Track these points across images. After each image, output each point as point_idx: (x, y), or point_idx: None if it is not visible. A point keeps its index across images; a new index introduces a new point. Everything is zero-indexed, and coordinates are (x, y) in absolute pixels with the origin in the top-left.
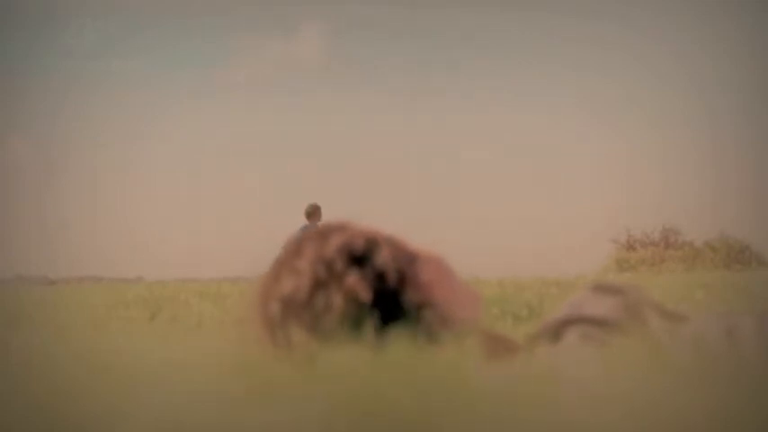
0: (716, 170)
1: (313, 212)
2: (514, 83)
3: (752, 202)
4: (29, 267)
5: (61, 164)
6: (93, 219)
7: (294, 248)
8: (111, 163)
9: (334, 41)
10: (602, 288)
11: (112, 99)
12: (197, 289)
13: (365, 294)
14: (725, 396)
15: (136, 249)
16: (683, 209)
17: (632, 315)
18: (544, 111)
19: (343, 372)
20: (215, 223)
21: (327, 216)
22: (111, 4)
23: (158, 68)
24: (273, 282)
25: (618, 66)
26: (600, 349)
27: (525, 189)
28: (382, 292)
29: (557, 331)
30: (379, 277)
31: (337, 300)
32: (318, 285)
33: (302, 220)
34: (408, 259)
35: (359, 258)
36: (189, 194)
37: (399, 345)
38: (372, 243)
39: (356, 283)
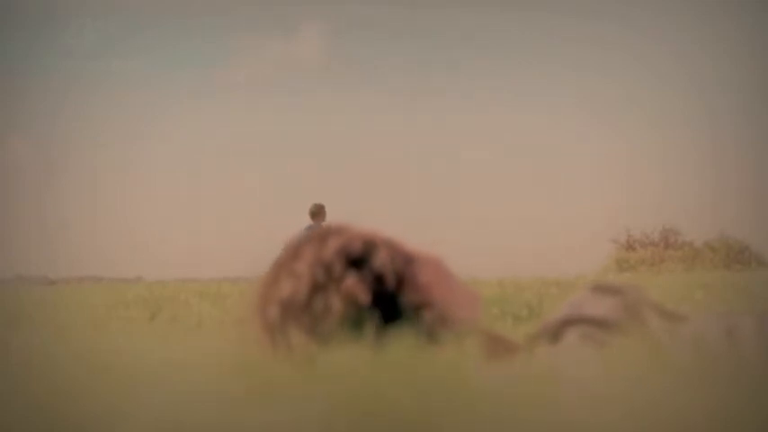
0: (716, 170)
1: (318, 212)
2: (514, 83)
3: (752, 202)
4: (29, 267)
5: (61, 164)
6: (93, 219)
7: (292, 251)
8: (111, 163)
9: (334, 41)
10: (601, 288)
11: (112, 99)
12: (197, 289)
13: (364, 297)
14: (725, 396)
15: (136, 249)
16: (683, 209)
17: (632, 315)
18: (544, 111)
19: (343, 372)
20: (215, 223)
21: (329, 216)
22: (111, 4)
23: (158, 68)
24: (272, 285)
25: (618, 66)
26: (600, 349)
27: (525, 189)
28: (381, 293)
29: (557, 331)
30: (378, 279)
31: (336, 302)
32: (317, 288)
33: (302, 220)
34: (406, 261)
35: (357, 261)
36: (189, 194)
37: (399, 345)
38: (370, 245)
39: (354, 285)
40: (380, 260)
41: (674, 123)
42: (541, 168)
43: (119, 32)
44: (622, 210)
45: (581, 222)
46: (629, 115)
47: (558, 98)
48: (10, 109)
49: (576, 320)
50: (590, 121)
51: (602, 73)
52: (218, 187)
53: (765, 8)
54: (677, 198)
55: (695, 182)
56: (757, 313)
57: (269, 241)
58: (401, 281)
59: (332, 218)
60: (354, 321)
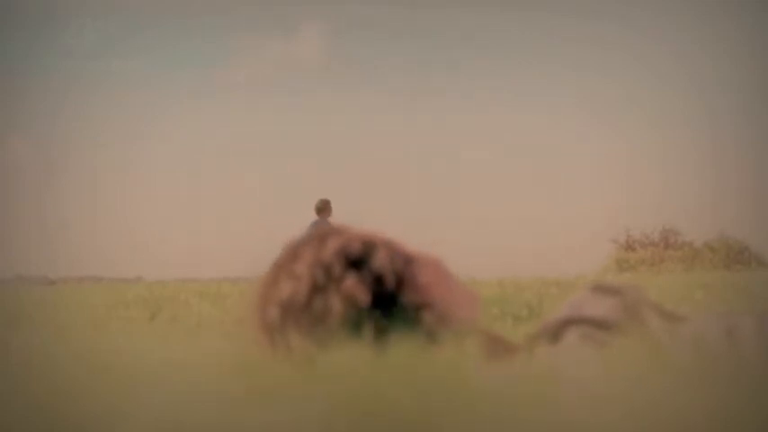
0: (716, 170)
1: (324, 207)
2: (514, 83)
3: (752, 202)
4: (29, 267)
5: (61, 164)
6: (93, 219)
7: (292, 252)
8: (111, 163)
9: (334, 41)
10: (601, 288)
11: (112, 99)
12: (197, 289)
13: (363, 298)
14: (725, 396)
15: (136, 249)
16: (683, 209)
17: (631, 315)
18: (544, 111)
19: (343, 372)
20: (215, 223)
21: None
22: (111, 4)
23: (158, 68)
24: (271, 286)
25: (618, 66)
26: (599, 349)
27: (525, 189)
28: (380, 294)
29: (556, 331)
30: (377, 280)
31: (336, 304)
32: (317, 289)
33: (302, 220)
34: (406, 261)
35: (356, 262)
36: (189, 194)
37: (399, 345)
38: (370, 246)
39: (354, 286)
40: (380, 261)
41: (674, 123)
42: (541, 168)
43: (119, 32)
44: (622, 210)
45: (581, 222)
46: (629, 115)
47: (558, 98)
48: (10, 109)
49: (576, 321)
50: (590, 121)
51: (602, 73)
52: (218, 187)
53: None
54: (677, 198)
55: (695, 182)
56: (757, 313)
57: (269, 241)
58: (401, 281)
59: (332, 218)
60: (354, 322)
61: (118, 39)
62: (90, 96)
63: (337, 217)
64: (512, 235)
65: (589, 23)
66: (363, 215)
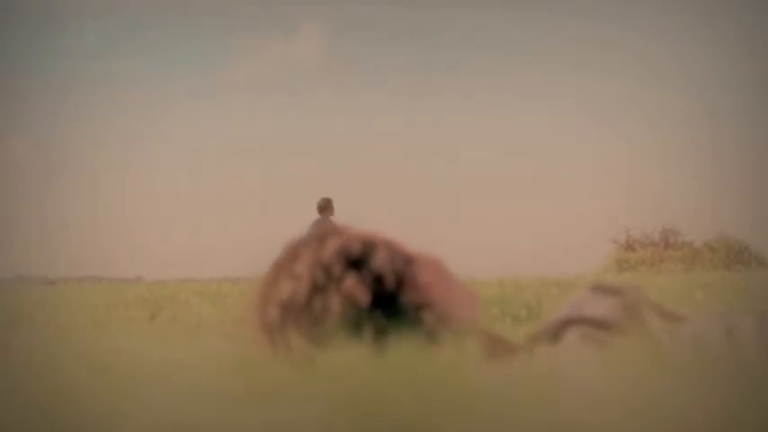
0: (716, 170)
1: (325, 206)
2: (514, 83)
3: (752, 202)
4: (29, 267)
5: (61, 164)
6: (93, 219)
7: (291, 252)
8: (111, 163)
9: (334, 41)
10: (601, 289)
11: (112, 99)
12: (197, 289)
13: (363, 298)
14: (725, 396)
15: (136, 249)
16: (683, 209)
17: (631, 315)
18: (544, 111)
19: (343, 372)
20: (215, 223)
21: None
22: (111, 4)
23: (158, 68)
24: (271, 286)
25: (618, 66)
26: (599, 349)
27: (525, 189)
28: (380, 294)
29: (556, 332)
30: (377, 280)
31: (335, 304)
32: (316, 290)
33: (302, 220)
34: (406, 261)
35: (356, 262)
36: (189, 194)
37: (399, 345)
38: (369, 246)
39: (354, 286)
40: (380, 261)
41: (674, 123)
42: (541, 168)
43: (119, 32)
44: (622, 210)
45: (581, 222)
46: (629, 115)
47: (558, 98)
48: (10, 109)
49: (576, 321)
50: (590, 121)
51: (602, 73)
52: (218, 187)
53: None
54: (677, 198)
55: (695, 182)
56: (757, 313)
57: (269, 241)
58: (400, 281)
59: (333, 217)
60: (354, 322)
61: (118, 39)
62: (90, 96)
63: (337, 217)
64: (512, 235)
65: (589, 23)
66: (363, 215)
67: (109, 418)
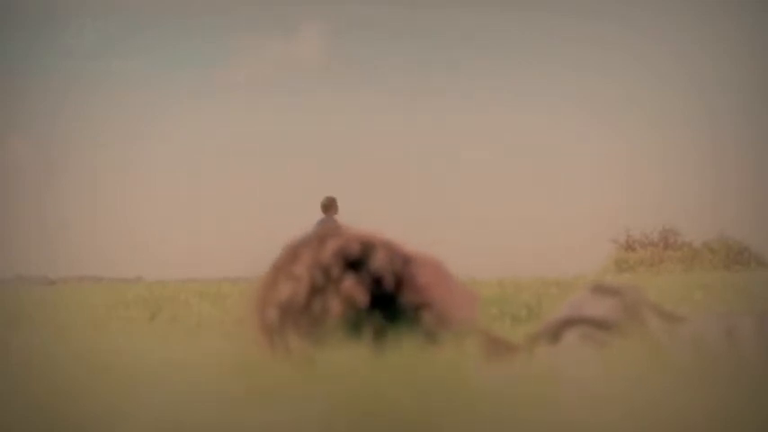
0: (716, 170)
1: (329, 205)
2: (514, 83)
3: (752, 202)
4: (29, 267)
5: (61, 164)
6: (93, 219)
7: (290, 254)
8: (111, 163)
9: (334, 41)
10: (601, 289)
11: (112, 99)
12: (197, 289)
13: (362, 299)
14: (725, 396)
15: (136, 249)
16: (683, 209)
17: (631, 316)
18: (544, 111)
19: (343, 372)
20: (215, 223)
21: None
22: (111, 4)
23: (158, 68)
24: (270, 287)
25: (618, 66)
26: (599, 350)
27: (525, 189)
28: (379, 295)
29: (556, 332)
30: (376, 281)
31: (335, 305)
32: (315, 291)
33: (302, 220)
34: (405, 261)
35: (355, 263)
36: (189, 194)
37: (398, 345)
38: (368, 247)
39: (353, 287)
40: (379, 261)
41: (674, 123)
42: (541, 168)
43: (119, 32)
44: (622, 210)
45: (581, 222)
46: (629, 115)
47: (558, 98)
48: (10, 109)
49: (576, 321)
50: (590, 121)
51: (602, 73)
52: (218, 187)
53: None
54: (677, 198)
55: (695, 182)
56: (757, 313)
57: (269, 241)
58: (400, 282)
59: (337, 216)
60: (353, 323)
61: (118, 39)
62: (90, 96)
63: (339, 216)
64: (512, 235)
65: (589, 23)
66: (363, 215)
67: (109, 418)
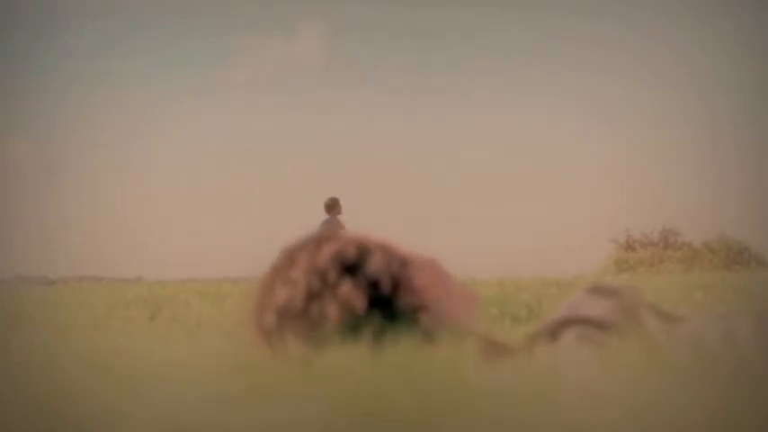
0: (716, 170)
1: (333, 205)
2: (514, 83)
3: (752, 202)
4: (29, 267)
5: (61, 164)
6: (93, 219)
7: (287, 258)
8: (111, 163)
9: (334, 41)
10: (598, 289)
11: (112, 99)
12: (197, 289)
13: (359, 304)
14: (724, 396)
15: (136, 249)
16: (683, 209)
17: (628, 316)
18: (544, 111)
19: (342, 372)
20: (215, 223)
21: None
22: (111, 4)
23: (158, 68)
24: (268, 292)
25: (618, 66)
26: (597, 350)
27: (525, 189)
28: (377, 298)
29: (554, 332)
30: (374, 284)
31: (332, 310)
32: (313, 296)
33: (302, 220)
34: (401, 264)
35: (352, 266)
36: (189, 194)
37: (397, 345)
38: (365, 250)
39: (350, 292)
40: (375, 265)
41: (674, 123)
42: (541, 168)
43: (119, 32)
44: (622, 210)
45: (581, 222)
46: (629, 115)
47: (558, 98)
48: (10, 109)
49: (574, 321)
50: (590, 121)
51: (602, 73)
52: (218, 187)
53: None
54: (677, 198)
55: (695, 182)
56: (757, 313)
57: (269, 241)
58: (397, 285)
59: (341, 216)
60: (351, 327)
61: (118, 39)
62: (90, 96)
63: (341, 216)
64: (512, 235)
65: (589, 23)
66: (363, 215)
67: (109, 418)
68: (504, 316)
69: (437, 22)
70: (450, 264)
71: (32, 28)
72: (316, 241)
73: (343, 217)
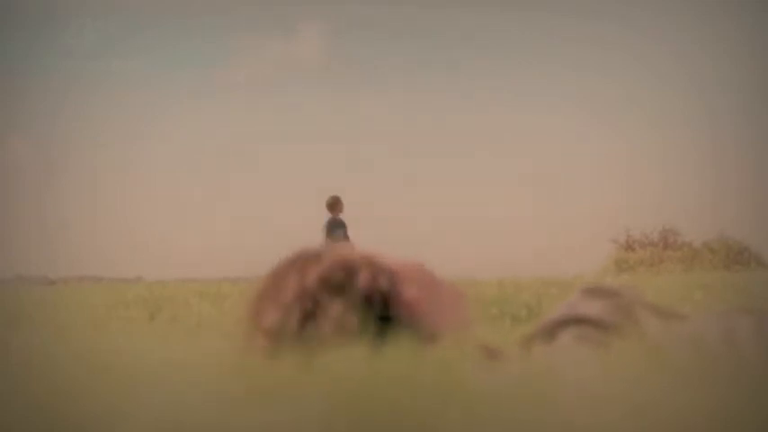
0: (716, 170)
1: (334, 204)
2: (514, 83)
3: (752, 202)
4: (29, 267)
5: (61, 164)
6: (93, 219)
7: (274, 281)
8: (111, 163)
9: (334, 41)
10: (596, 290)
11: (112, 99)
12: (197, 289)
13: (352, 324)
14: (724, 396)
15: (136, 249)
16: (683, 209)
17: (626, 316)
18: (544, 111)
19: (343, 372)
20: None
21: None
22: (111, 4)
23: (158, 68)
24: (259, 315)
25: (618, 66)
26: (595, 349)
27: (525, 189)
28: (369, 315)
29: (552, 332)
30: (364, 302)
31: (326, 329)
32: (306, 317)
33: (301, 219)
34: (389, 278)
35: (340, 287)
36: (189, 194)
37: (397, 346)
38: (351, 270)
39: (341, 313)
40: (363, 283)
41: (674, 123)
42: (541, 168)
43: (119, 32)
44: (622, 210)
45: (581, 222)
46: (629, 115)
47: (558, 98)
48: (10, 109)
49: (572, 321)
50: (590, 121)
51: (602, 73)
52: (218, 187)
53: (765, 8)
54: (677, 198)
55: (695, 182)
56: (757, 313)
57: (269, 241)
58: (387, 300)
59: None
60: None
61: (118, 39)
62: (90, 96)
63: (343, 215)
64: (512, 235)
65: (589, 23)
66: (363, 215)
67: (109, 418)
68: (504, 316)
69: (437, 22)
70: (451, 264)
71: (32, 28)
72: (301, 263)
73: (344, 216)
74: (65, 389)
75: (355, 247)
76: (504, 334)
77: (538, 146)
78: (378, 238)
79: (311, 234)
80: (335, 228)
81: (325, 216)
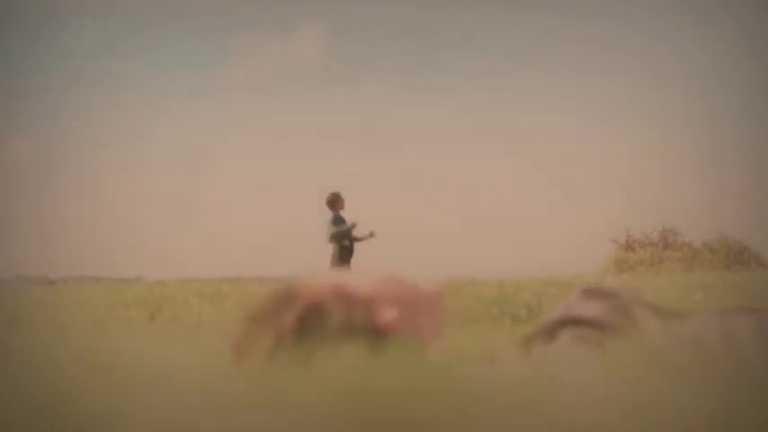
0: (716, 170)
1: (334, 201)
2: (514, 83)
3: (752, 202)
4: (29, 267)
5: (61, 164)
6: (93, 219)
7: (251, 328)
8: (111, 163)
9: (334, 41)
10: (595, 290)
11: (112, 99)
12: (197, 289)
13: (338, 353)
14: (724, 396)
15: (136, 249)
16: (683, 209)
17: (625, 316)
18: (544, 111)
19: (342, 373)
20: (215, 223)
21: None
22: (111, 4)
23: (158, 68)
24: (240, 355)
25: (618, 66)
26: (594, 350)
27: (525, 189)
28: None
29: (551, 332)
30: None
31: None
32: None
33: (301, 219)
34: (364, 304)
35: (318, 322)
36: (189, 194)
37: (397, 347)
38: (323, 306)
39: (327, 343)
40: (338, 317)
41: (674, 123)
42: (541, 168)
43: (119, 32)
44: (622, 210)
45: (581, 222)
46: (629, 115)
47: (558, 98)
48: (10, 109)
49: (570, 321)
50: (590, 121)
51: (602, 73)
52: (218, 187)
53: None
54: (677, 198)
55: (695, 182)
56: (757, 313)
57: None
58: (366, 323)
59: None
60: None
61: (118, 39)
62: (90, 96)
63: (344, 213)
64: (512, 235)
65: (589, 23)
66: (363, 216)
67: (109, 418)
68: (504, 316)
69: (437, 22)
70: (451, 264)
71: (32, 28)
72: (271, 310)
73: (344, 214)
74: (65, 389)
75: (339, 275)
76: (505, 334)
77: (538, 146)
78: (377, 238)
79: (311, 234)
80: (339, 224)
81: (326, 216)
